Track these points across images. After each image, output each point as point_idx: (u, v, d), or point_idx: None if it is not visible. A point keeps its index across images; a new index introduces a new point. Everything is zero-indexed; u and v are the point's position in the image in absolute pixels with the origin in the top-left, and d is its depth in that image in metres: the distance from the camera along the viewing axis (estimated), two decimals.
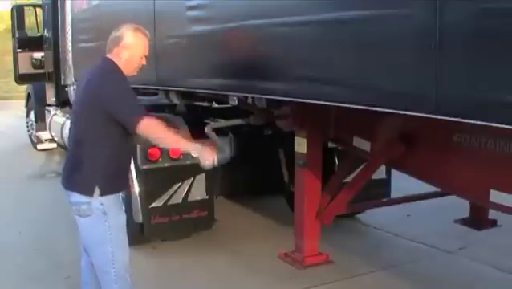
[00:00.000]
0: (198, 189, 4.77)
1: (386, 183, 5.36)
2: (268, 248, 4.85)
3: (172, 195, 4.67)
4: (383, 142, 4.01)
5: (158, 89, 5.34)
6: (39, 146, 9.63)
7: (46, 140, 9.35)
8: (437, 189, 4.10)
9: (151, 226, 4.67)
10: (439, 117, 2.34)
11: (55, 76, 7.96)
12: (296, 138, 4.49)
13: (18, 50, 9.07)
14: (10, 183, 7.62)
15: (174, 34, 4.47)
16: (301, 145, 4.44)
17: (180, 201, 4.70)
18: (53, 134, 8.79)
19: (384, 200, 5.30)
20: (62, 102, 8.02)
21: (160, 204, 4.64)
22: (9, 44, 10.25)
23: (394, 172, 5.04)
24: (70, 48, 6.97)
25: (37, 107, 9.61)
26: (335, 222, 4.73)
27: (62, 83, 7.41)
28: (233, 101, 4.48)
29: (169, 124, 3.62)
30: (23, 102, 10.96)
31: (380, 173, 5.02)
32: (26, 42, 9.08)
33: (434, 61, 2.29)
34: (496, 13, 2.07)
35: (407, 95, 2.48)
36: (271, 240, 5.07)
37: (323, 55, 2.96)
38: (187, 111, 5.76)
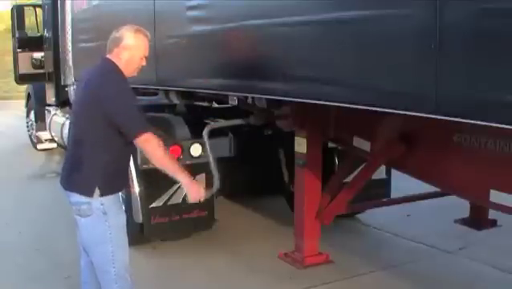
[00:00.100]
0: None
1: (386, 183, 5.36)
2: (268, 248, 4.85)
3: (172, 195, 4.67)
4: (383, 142, 4.01)
5: (158, 89, 5.34)
6: (39, 146, 9.63)
7: (46, 140, 9.35)
8: (437, 189, 4.10)
9: (151, 226, 4.67)
10: (439, 117, 2.34)
11: (55, 76, 7.96)
12: (296, 138, 4.49)
13: (18, 50, 9.07)
14: (10, 183, 7.62)
15: (174, 34, 4.47)
16: (301, 145, 4.44)
17: (180, 201, 4.69)
18: (53, 134, 8.79)
19: (384, 200, 5.30)
20: (62, 102, 8.01)
21: (160, 204, 4.64)
22: (9, 44, 10.25)
23: (394, 172, 5.04)
24: (70, 48, 6.97)
25: (37, 107, 9.61)
26: (335, 222, 4.73)
27: (63, 83, 7.41)
28: (233, 101, 4.48)
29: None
30: (23, 102, 10.96)
31: (380, 173, 5.01)
32: (26, 42, 9.07)
33: (434, 61, 2.29)
34: (496, 13, 2.07)
35: (407, 95, 2.48)
36: (271, 240, 5.07)
37: (323, 55, 2.96)
38: (187, 111, 5.76)
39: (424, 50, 2.32)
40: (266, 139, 5.47)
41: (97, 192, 2.92)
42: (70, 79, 7.03)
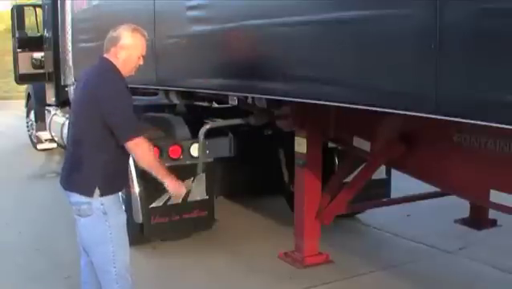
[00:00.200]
0: (198, 189, 4.76)
1: (386, 183, 5.36)
2: (268, 248, 4.85)
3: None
4: (383, 142, 4.01)
5: (158, 89, 5.34)
6: (39, 146, 9.63)
7: (46, 140, 9.35)
8: (437, 189, 4.10)
9: (151, 226, 4.67)
10: (439, 117, 2.34)
11: (55, 76, 7.96)
12: (296, 138, 4.49)
13: (18, 50, 9.07)
14: (10, 183, 7.62)
15: (174, 34, 4.47)
16: (301, 145, 4.44)
17: (180, 201, 4.69)
18: (53, 134, 8.79)
19: (384, 200, 5.30)
20: (62, 102, 8.02)
21: (160, 204, 4.64)
22: (9, 44, 10.25)
23: (394, 172, 5.04)
24: (70, 48, 6.97)
25: (37, 107, 9.61)
26: (335, 222, 4.73)
27: (63, 83, 7.41)
28: (233, 101, 4.48)
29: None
30: (23, 102, 10.96)
31: (380, 173, 5.01)
32: (26, 42, 9.07)
33: (434, 61, 2.29)
34: (496, 13, 2.07)
35: (407, 95, 2.48)
36: (271, 240, 5.07)
37: (323, 55, 2.96)
38: (187, 111, 5.76)
39: (424, 50, 2.32)
40: (266, 139, 5.46)
41: (97, 192, 2.93)
42: (70, 79, 7.03)
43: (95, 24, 5.91)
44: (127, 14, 4.91)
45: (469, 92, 2.22)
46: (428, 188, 4.08)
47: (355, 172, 4.56)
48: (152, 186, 4.61)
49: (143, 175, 4.60)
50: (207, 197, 4.82)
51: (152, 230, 4.74)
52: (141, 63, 3.10)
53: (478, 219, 4.77)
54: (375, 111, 2.69)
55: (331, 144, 4.91)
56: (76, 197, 2.97)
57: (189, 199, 4.73)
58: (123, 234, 3.10)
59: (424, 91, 2.36)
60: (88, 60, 5.67)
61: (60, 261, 4.59)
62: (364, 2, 2.70)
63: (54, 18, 7.59)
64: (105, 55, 3.04)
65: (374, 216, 5.64)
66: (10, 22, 10.16)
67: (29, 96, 10.25)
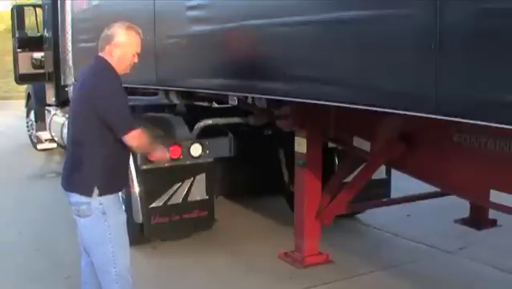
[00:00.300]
0: (198, 189, 4.76)
1: (386, 183, 5.36)
2: (268, 248, 4.85)
3: (172, 195, 4.67)
4: (383, 142, 4.01)
5: (158, 89, 5.33)
6: (39, 146, 9.63)
7: (46, 140, 9.35)
8: (437, 189, 4.10)
9: (151, 226, 4.67)
10: (439, 117, 2.34)
11: (55, 76, 7.97)
12: (296, 138, 4.49)
13: (18, 50, 9.07)
14: (10, 183, 7.62)
15: (174, 34, 4.47)
16: (301, 145, 4.44)
17: (180, 201, 4.70)
18: (53, 134, 8.80)
19: (384, 200, 5.30)
20: (62, 102, 8.02)
21: (160, 204, 4.64)
22: (9, 44, 10.25)
23: (394, 172, 5.04)
24: (70, 48, 6.96)
25: (37, 107, 9.61)
26: (335, 222, 4.73)
27: (62, 83, 7.40)
28: (233, 101, 4.48)
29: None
30: (23, 102, 10.96)
31: (380, 173, 5.01)
32: (26, 42, 9.07)
33: (434, 61, 2.29)
34: (496, 13, 2.07)
35: (407, 95, 2.48)
36: (271, 240, 5.07)
37: (323, 55, 2.96)
38: (187, 111, 5.76)
39: (424, 50, 2.32)
40: (266, 139, 5.47)
41: (96, 191, 2.93)
42: (70, 79, 7.02)
43: (95, 24, 5.90)
44: (127, 14, 4.91)
45: (469, 92, 2.21)
46: (428, 188, 4.08)
47: (355, 172, 4.56)
48: (152, 186, 4.64)
49: (143, 175, 4.62)
50: (207, 197, 4.82)
51: (152, 230, 4.74)
52: (136, 60, 3.10)
53: (478, 219, 4.76)
54: (375, 111, 2.69)
55: (331, 144, 4.92)
56: (76, 198, 2.97)
57: (189, 199, 4.73)
58: (123, 234, 3.10)
59: (424, 91, 2.36)
60: (88, 60, 5.63)
61: (60, 261, 4.59)
62: (364, 2, 2.70)
63: (54, 18, 7.59)
64: (100, 54, 3.05)
65: (374, 216, 5.64)
66: (10, 22, 10.16)
67: (29, 96, 10.25)
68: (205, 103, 5.38)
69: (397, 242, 5.18)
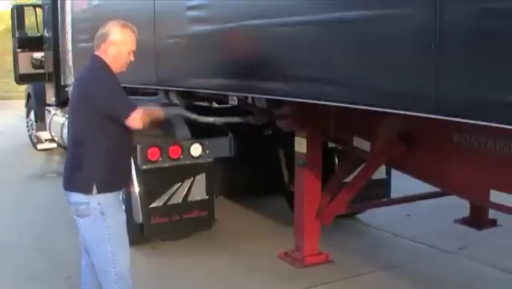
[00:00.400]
0: (198, 189, 4.76)
1: (386, 183, 5.36)
2: (268, 248, 4.85)
3: (172, 195, 4.67)
4: (383, 142, 4.01)
5: (158, 89, 5.34)
6: (39, 146, 9.63)
7: (46, 140, 9.35)
8: (437, 189, 4.10)
9: (151, 226, 4.67)
10: (439, 117, 2.34)
11: (55, 76, 7.97)
12: (296, 138, 4.49)
13: (18, 50, 9.07)
14: (10, 183, 7.62)
15: (174, 34, 4.47)
16: (301, 145, 4.44)
17: (180, 201, 4.69)
18: (53, 134, 8.79)
19: (384, 200, 5.30)
20: (62, 102, 8.02)
21: (160, 204, 4.64)
22: (9, 44, 10.25)
23: (394, 172, 5.04)
24: (70, 48, 6.97)
25: (37, 107, 9.61)
26: (335, 222, 4.73)
27: (63, 83, 7.41)
28: (233, 101, 4.48)
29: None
30: (23, 102, 10.96)
31: (380, 173, 5.01)
32: (26, 42, 9.08)
33: (434, 61, 2.29)
34: (496, 13, 2.07)
35: (407, 95, 2.48)
36: (271, 240, 5.07)
37: (323, 55, 2.96)
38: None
39: (424, 50, 2.32)
40: (266, 139, 5.47)
41: (95, 189, 2.92)
42: (70, 79, 7.03)
43: (95, 24, 5.87)
44: (127, 14, 4.90)
45: (469, 92, 2.21)
46: (428, 188, 4.08)
47: (355, 172, 4.56)
48: (152, 186, 4.64)
49: (143, 175, 4.62)
50: (207, 197, 4.82)
51: (152, 230, 4.74)
52: (132, 58, 3.10)
53: (478, 219, 4.77)
54: (375, 111, 2.69)
55: (331, 144, 4.91)
56: (75, 197, 2.97)
57: (189, 199, 4.73)
58: (123, 234, 3.09)
59: (424, 91, 2.36)
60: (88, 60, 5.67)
61: (60, 261, 4.59)
62: (363, 2, 2.70)
63: (54, 18, 7.60)
64: (96, 53, 3.05)
65: (374, 216, 5.64)
66: (10, 22, 10.16)
67: (29, 96, 10.25)
68: (205, 103, 5.39)
69: (397, 242, 5.18)
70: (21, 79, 9.28)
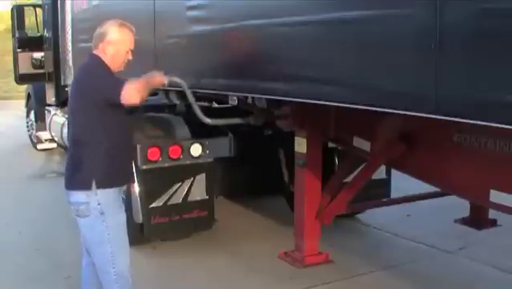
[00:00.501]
0: (198, 189, 4.77)
1: (386, 183, 5.36)
2: (268, 248, 4.85)
3: (172, 195, 4.67)
4: (383, 142, 4.01)
5: (158, 89, 5.33)
6: (39, 146, 9.63)
7: (46, 140, 9.35)
8: (437, 189, 4.10)
9: (151, 226, 4.67)
10: (439, 117, 2.34)
11: (55, 76, 7.97)
12: (296, 138, 4.49)
13: (18, 50, 9.07)
14: (10, 183, 7.62)
15: (174, 34, 4.47)
16: (301, 145, 4.44)
17: (180, 201, 4.70)
18: (53, 134, 8.80)
19: (384, 200, 5.30)
20: (62, 102, 8.02)
21: (160, 204, 4.64)
22: (9, 44, 10.25)
23: (394, 172, 5.04)
24: (70, 48, 6.98)
25: (37, 107, 9.61)
26: (335, 222, 4.73)
27: (63, 83, 7.42)
28: (233, 101, 4.48)
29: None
30: (23, 102, 10.96)
31: (380, 173, 5.01)
32: (26, 42, 9.08)
33: (434, 61, 2.29)
34: (496, 13, 2.07)
35: (407, 95, 2.48)
36: (271, 240, 5.07)
37: (323, 55, 2.96)
38: (187, 111, 5.75)
39: (424, 50, 2.32)
40: (266, 139, 5.46)
41: (94, 185, 2.92)
42: (70, 79, 7.03)
43: (95, 24, 5.83)
44: (127, 14, 4.90)
45: (469, 92, 2.21)
46: (428, 188, 4.08)
47: (355, 172, 4.56)
48: (152, 186, 4.64)
49: (143, 175, 4.62)
50: (207, 197, 4.82)
51: (152, 230, 4.74)
52: (130, 57, 3.10)
53: (478, 219, 4.77)
54: (375, 111, 2.69)
55: (331, 144, 4.91)
56: (75, 197, 2.98)
57: (189, 199, 4.73)
58: (123, 234, 3.09)
59: (424, 91, 2.36)
60: None
61: (60, 261, 4.59)
62: (363, 2, 2.70)
63: (54, 18, 7.60)
64: (94, 52, 3.05)
65: (374, 216, 5.64)
66: (10, 22, 10.16)
67: (29, 96, 10.26)
68: (205, 103, 5.38)
69: (397, 242, 5.18)
70: (21, 79, 9.29)
